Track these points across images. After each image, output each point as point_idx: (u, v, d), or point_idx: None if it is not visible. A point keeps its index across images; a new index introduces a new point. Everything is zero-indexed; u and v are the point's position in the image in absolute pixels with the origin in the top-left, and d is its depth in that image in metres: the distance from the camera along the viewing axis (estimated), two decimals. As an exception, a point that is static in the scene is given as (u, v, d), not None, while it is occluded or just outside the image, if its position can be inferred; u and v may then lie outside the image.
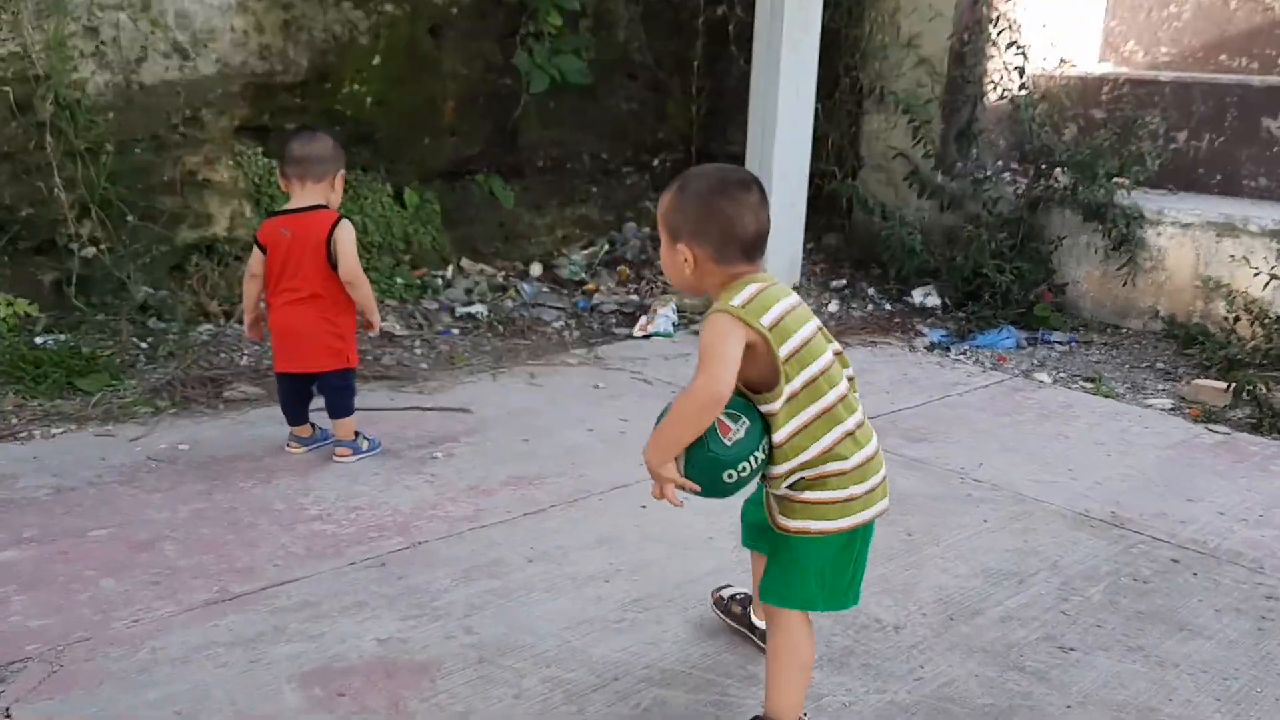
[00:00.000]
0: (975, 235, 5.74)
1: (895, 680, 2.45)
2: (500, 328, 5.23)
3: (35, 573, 2.74)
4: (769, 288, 2.06)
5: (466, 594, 2.74)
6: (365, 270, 3.54)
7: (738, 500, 2.34)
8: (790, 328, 2.03)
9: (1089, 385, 4.85)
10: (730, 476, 2.07)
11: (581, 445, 3.80)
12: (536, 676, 2.40)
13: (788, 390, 2.02)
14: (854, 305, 5.96)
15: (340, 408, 3.58)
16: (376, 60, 5.44)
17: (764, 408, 2.04)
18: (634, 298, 5.86)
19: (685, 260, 2.09)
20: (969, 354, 5.27)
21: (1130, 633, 2.71)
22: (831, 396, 2.06)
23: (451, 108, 5.88)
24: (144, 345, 4.46)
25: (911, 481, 3.61)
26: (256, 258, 3.50)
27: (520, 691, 2.35)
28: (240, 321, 4.72)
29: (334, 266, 3.43)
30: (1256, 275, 5.10)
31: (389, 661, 2.44)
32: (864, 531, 2.14)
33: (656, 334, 5.33)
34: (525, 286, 5.76)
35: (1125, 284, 5.55)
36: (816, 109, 5.85)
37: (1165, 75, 6.28)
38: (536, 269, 6.08)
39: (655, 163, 6.90)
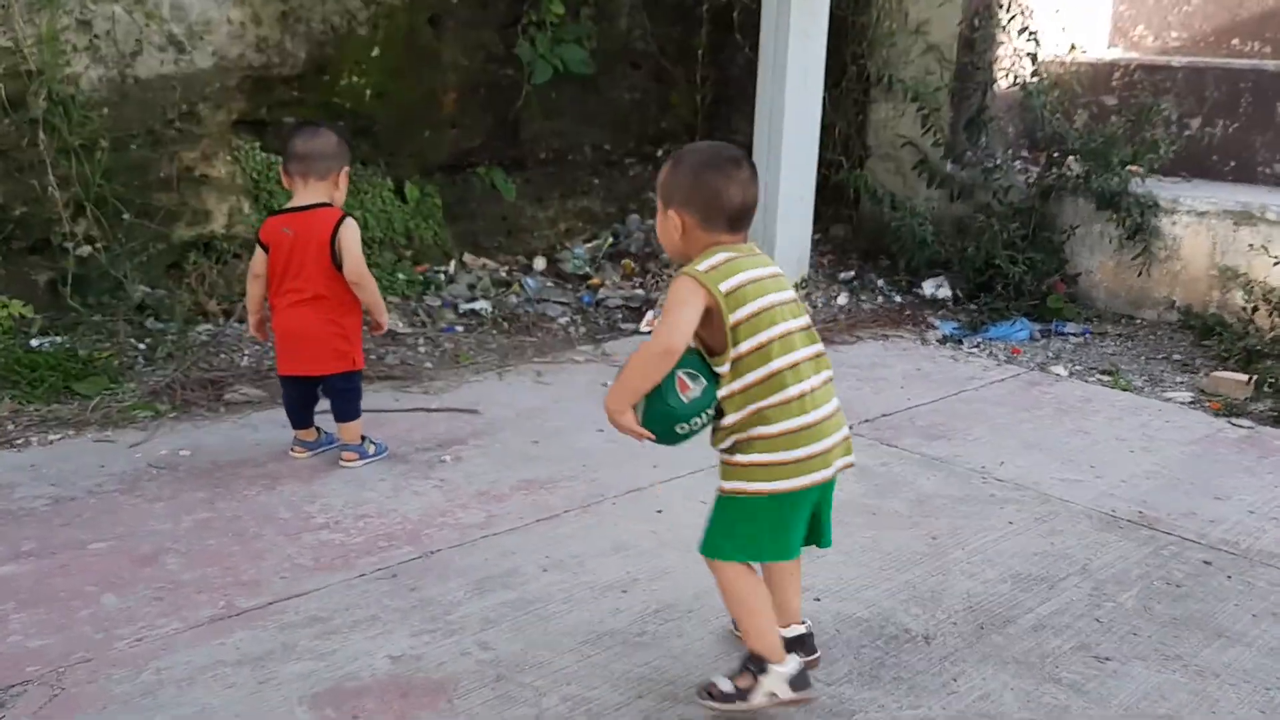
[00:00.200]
0: (987, 225, 5.64)
1: (929, 695, 2.37)
2: (505, 324, 5.14)
3: (35, 588, 2.65)
4: (739, 258, 2.23)
5: (481, 607, 2.65)
6: (368, 268, 3.43)
7: None
8: (748, 296, 2.19)
9: (1106, 378, 4.76)
10: (682, 429, 2.26)
11: (592, 447, 3.71)
12: (557, 695, 2.32)
13: (733, 353, 2.18)
14: (863, 297, 5.87)
15: (346, 411, 3.48)
16: (375, 52, 5.32)
17: (717, 369, 2.22)
18: (639, 291, 5.76)
19: (675, 226, 2.28)
20: (982, 347, 5.18)
21: (1167, 641, 2.62)
22: (778, 364, 2.19)
23: (452, 99, 5.77)
24: (142, 346, 4.36)
25: (933, 482, 3.52)
26: (259, 257, 3.40)
27: (541, 712, 2.26)
28: (241, 320, 4.65)
29: (339, 266, 3.33)
30: (1276, 265, 5.00)
31: (403, 680, 2.35)
32: (802, 496, 2.25)
33: (664, 329, 5.22)
34: (529, 281, 5.66)
35: (1140, 274, 5.46)
36: (823, 98, 5.75)
37: (1178, 60, 6.18)
38: (540, 263, 5.98)
39: (659, 153, 6.78)
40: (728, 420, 2.23)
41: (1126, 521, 3.28)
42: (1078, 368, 4.91)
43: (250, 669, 2.36)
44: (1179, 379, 4.79)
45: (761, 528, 2.26)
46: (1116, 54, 6.64)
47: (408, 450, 3.62)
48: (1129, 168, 5.51)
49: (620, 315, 5.44)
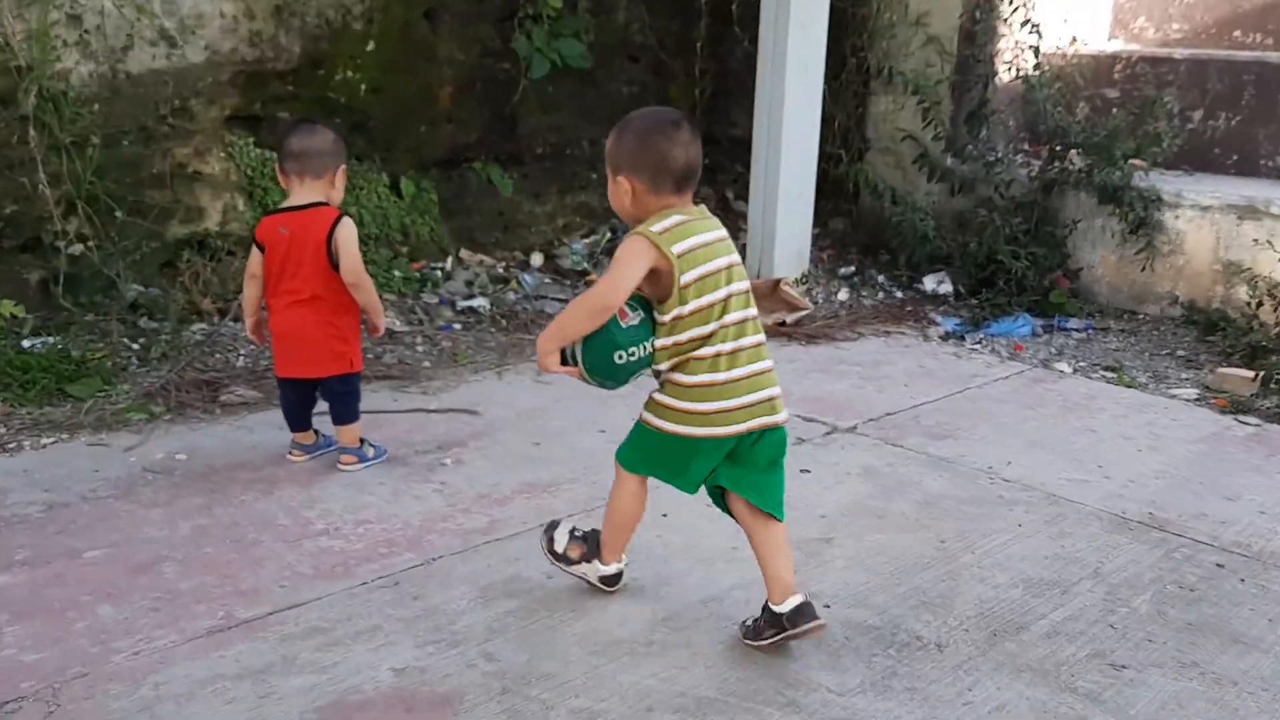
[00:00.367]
0: (989, 220, 5.59)
1: (944, 705, 2.32)
2: (503, 322, 5.08)
3: (29, 599, 2.59)
4: (691, 221, 2.38)
5: (486, 616, 2.60)
6: (365, 266, 3.37)
7: None
8: (699, 259, 2.35)
9: (1110, 375, 4.72)
10: (621, 358, 2.41)
11: (594, 448, 3.65)
12: (565, 708, 2.27)
13: (677, 310, 2.35)
14: (864, 293, 5.82)
15: (344, 414, 3.43)
16: (370, 46, 5.25)
17: (657, 316, 2.39)
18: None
19: (625, 192, 2.42)
20: (984, 343, 5.14)
21: (1183, 647, 2.58)
22: (714, 326, 2.38)
23: (448, 94, 5.70)
24: (135, 346, 4.29)
25: (940, 483, 3.48)
26: (255, 258, 3.34)
27: (549, 726, 2.22)
28: (235, 319, 4.58)
29: (336, 266, 3.27)
30: (1281, 260, 4.98)
31: (407, 694, 2.30)
32: (705, 444, 2.43)
33: (663, 326, 5.17)
34: (527, 278, 5.60)
35: (1144, 269, 5.42)
36: (823, 90, 5.69)
37: (1180, 52, 6.13)
38: (537, 259, 5.92)
39: (657, 147, 6.73)
40: (662, 366, 2.43)
41: (1137, 523, 3.24)
42: (1081, 364, 4.87)
43: (251, 683, 2.31)
44: (1183, 375, 4.75)
45: (662, 459, 2.51)
46: (1117, 46, 6.60)
47: (407, 453, 3.56)
48: (1131, 161, 5.47)
49: (619, 312, 5.37)
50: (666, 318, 2.37)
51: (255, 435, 3.66)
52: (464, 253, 5.76)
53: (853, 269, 6.08)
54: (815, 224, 6.01)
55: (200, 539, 2.93)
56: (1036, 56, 5.71)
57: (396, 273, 5.30)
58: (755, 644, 2.50)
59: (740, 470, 2.48)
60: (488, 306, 5.18)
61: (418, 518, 3.11)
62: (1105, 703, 2.36)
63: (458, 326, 4.98)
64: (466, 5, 5.59)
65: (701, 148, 2.43)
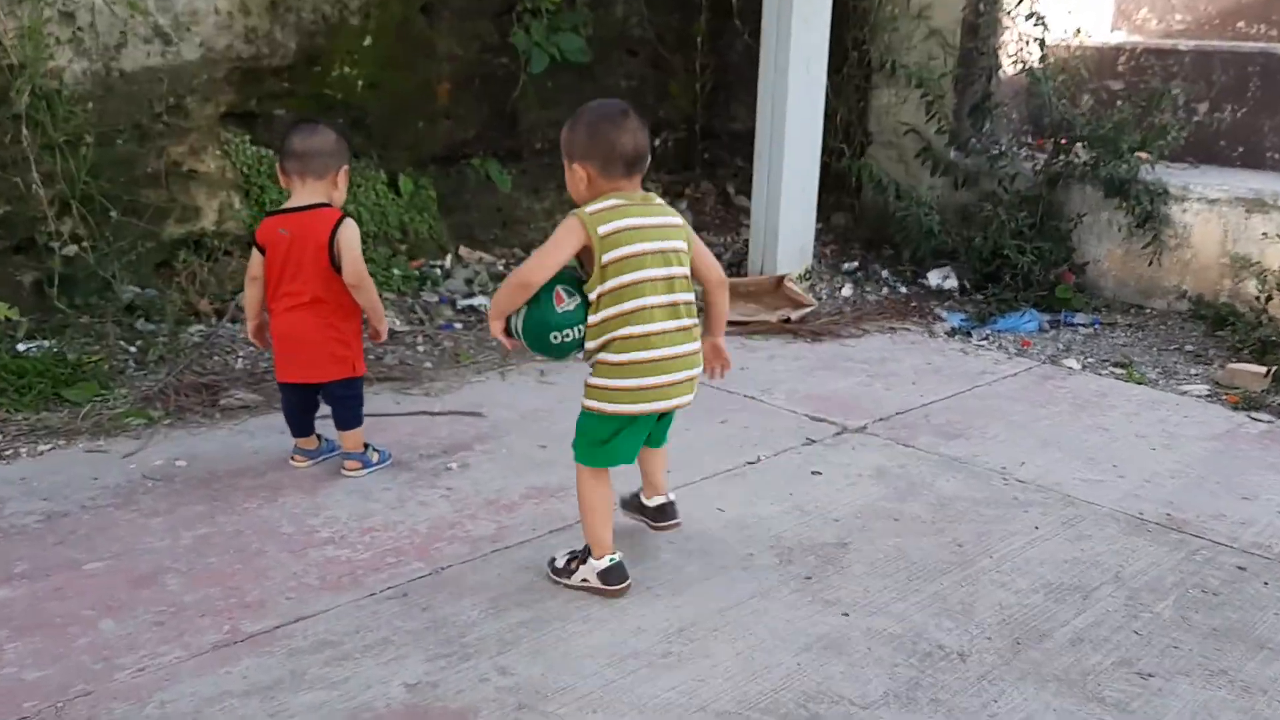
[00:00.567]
0: (994, 214, 5.53)
1: (970, 718, 2.27)
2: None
3: (29, 614, 2.53)
4: (627, 205, 2.56)
5: (498, 627, 2.54)
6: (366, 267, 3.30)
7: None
8: (621, 241, 2.53)
9: (1120, 371, 4.67)
10: (556, 338, 2.61)
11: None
12: (582, 724, 2.21)
13: (600, 288, 2.54)
14: (868, 289, 5.76)
15: (347, 419, 3.36)
16: (367, 41, 5.18)
17: (587, 294, 2.57)
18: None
19: (580, 178, 2.60)
20: (991, 339, 5.09)
21: (1209, 654, 2.53)
22: (632, 305, 2.55)
23: (446, 89, 5.63)
24: (132, 349, 4.22)
25: (954, 484, 3.42)
26: (256, 259, 3.26)
27: (566, 743, 2.16)
28: (233, 320, 4.51)
29: (338, 269, 3.20)
30: (1290, 253, 4.93)
31: (420, 710, 2.24)
32: (637, 419, 2.65)
33: (667, 323, 5.11)
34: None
35: (1151, 263, 5.36)
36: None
37: (1185, 44, 6.07)
38: (537, 256, 5.84)
39: (657, 142, 6.66)
40: (592, 344, 2.61)
41: (1155, 525, 3.19)
42: (1090, 360, 4.82)
43: (259, 700, 2.25)
44: (1193, 371, 4.71)
45: (603, 438, 2.66)
46: (1121, 38, 6.54)
47: (411, 457, 3.50)
48: (1137, 154, 5.42)
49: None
50: (592, 295, 2.56)
51: (256, 440, 3.59)
52: (463, 250, 5.69)
53: (856, 264, 6.03)
54: (817, 219, 5.95)
55: (203, 549, 2.86)
56: (1042, 49, 5.64)
57: (396, 271, 5.23)
58: (627, 514, 2.99)
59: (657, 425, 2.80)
60: (488, 305, 5.10)
61: (425, 525, 3.05)
62: (1134, 713, 2.31)
63: (459, 325, 4.92)
64: (464, 0, 5.52)
65: (648, 136, 2.63)
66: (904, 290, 5.76)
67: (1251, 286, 5.04)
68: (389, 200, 5.43)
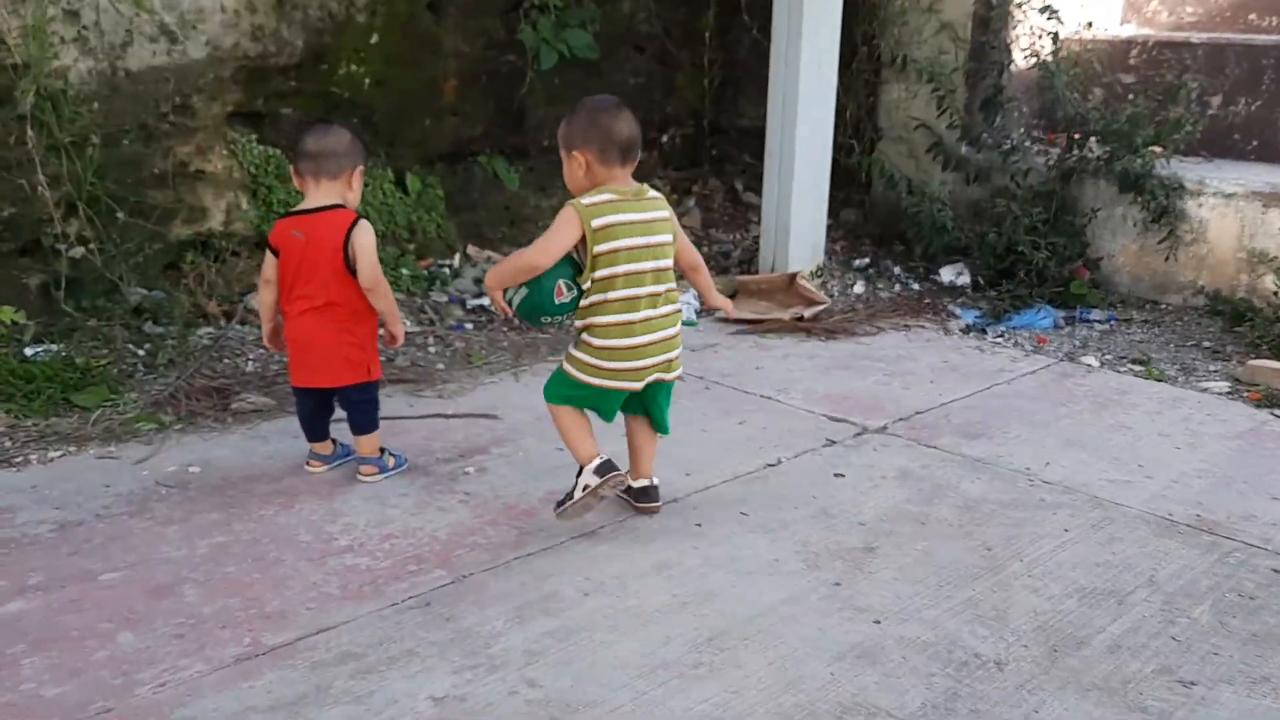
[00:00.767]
0: (1007, 210, 5.48)
1: (1011, 729, 2.22)
2: (515, 320, 4.94)
3: (45, 627, 2.47)
4: (620, 200, 2.79)
5: (523, 638, 2.49)
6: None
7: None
8: (615, 234, 2.76)
9: (1138, 368, 4.62)
10: (545, 320, 2.98)
11: (620, 454, 3.52)
12: (616, 738, 2.16)
13: (591, 276, 2.79)
14: (880, 285, 5.71)
15: (363, 423, 3.31)
16: (374, 39, 5.12)
17: (583, 283, 2.81)
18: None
19: (579, 165, 2.82)
20: (1007, 336, 5.04)
21: (1250, 660, 2.48)
22: (615, 295, 2.80)
23: (452, 87, 5.57)
24: (141, 352, 4.16)
25: (979, 486, 3.37)
26: (270, 262, 3.21)
27: (600, 758, 2.11)
28: (242, 322, 4.46)
29: (352, 271, 3.14)
30: (1309, 248, 4.88)
31: (449, 725, 2.19)
32: (610, 392, 2.90)
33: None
34: (537, 274, 5.47)
35: (1167, 258, 5.31)
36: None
37: (1197, 36, 6.02)
38: (546, 254, 5.78)
39: (664, 139, 6.63)
40: (579, 324, 2.88)
41: (1185, 526, 3.14)
42: (1107, 357, 4.77)
43: (284, 716, 2.19)
44: (1212, 368, 4.66)
45: (578, 398, 2.94)
46: (1132, 30, 6.48)
47: (428, 461, 3.45)
48: (1150, 148, 5.36)
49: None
50: (587, 284, 2.80)
51: (270, 445, 3.54)
52: (471, 249, 5.63)
53: (867, 261, 5.98)
54: (827, 215, 5.90)
55: (220, 558, 2.81)
56: (1055, 42, 5.58)
57: (404, 271, 5.18)
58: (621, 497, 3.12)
59: (642, 404, 3.01)
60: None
61: (444, 531, 3.00)
62: (1177, 723, 2.26)
63: (469, 326, 4.86)
64: (471, -4, 5.47)
65: (639, 128, 2.85)
66: (916, 287, 5.71)
67: (1269, 282, 4.99)
68: (396, 199, 5.37)
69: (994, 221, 5.56)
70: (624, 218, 2.78)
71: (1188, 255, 5.33)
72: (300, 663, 2.37)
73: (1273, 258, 5.00)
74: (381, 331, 3.31)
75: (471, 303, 5.08)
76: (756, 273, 5.60)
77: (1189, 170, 5.38)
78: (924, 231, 5.67)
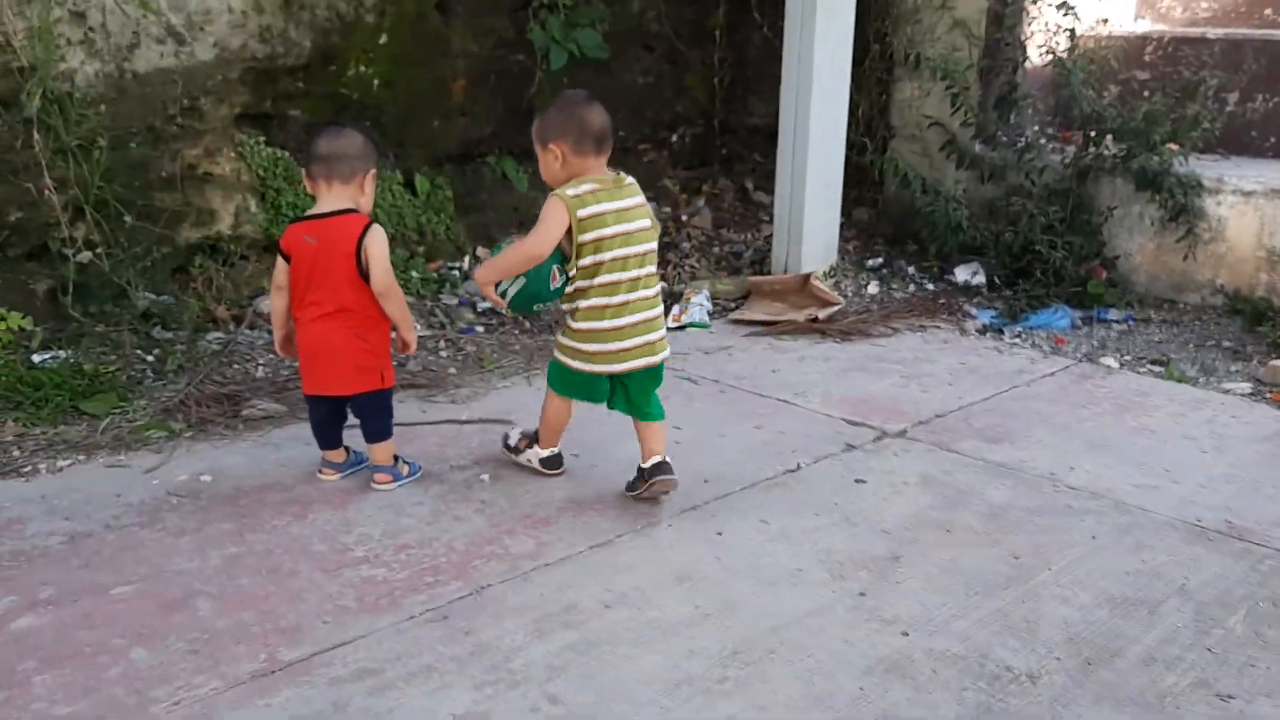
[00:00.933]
0: (1023, 208, 5.41)
1: (1047, 746, 2.17)
2: (526, 323, 4.90)
3: (57, 643, 2.43)
4: (601, 189, 2.91)
5: (544, 652, 2.44)
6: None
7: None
8: (598, 224, 2.88)
9: (1159, 369, 4.56)
10: (537, 307, 3.27)
11: (637, 458, 3.48)
12: (642, 757, 2.11)
13: (578, 264, 2.92)
14: (894, 286, 5.65)
15: (376, 431, 3.25)
16: (383, 39, 5.07)
17: (569, 270, 2.94)
18: (661, 284, 5.51)
19: (555, 157, 2.98)
20: (1024, 337, 4.98)
21: (1288, 672, 2.43)
22: (600, 280, 2.93)
23: (461, 87, 5.52)
24: (150, 358, 4.12)
25: (1003, 492, 3.32)
26: (281, 268, 3.15)
27: (627, 778, 2.06)
28: (252, 327, 4.41)
29: (365, 277, 3.09)
30: (1331, 246, 4.81)
31: (471, 744, 2.13)
32: (595, 376, 3.06)
33: (691, 324, 5.02)
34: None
35: (1186, 257, 5.25)
36: (847, 78, 5.51)
37: (1214, 32, 5.95)
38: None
39: (674, 138, 6.57)
40: (563, 307, 3.04)
41: (1215, 533, 3.08)
42: (1127, 358, 4.71)
43: (302, 735, 2.14)
44: (1233, 368, 4.60)
45: (573, 386, 3.13)
46: (1146, 26, 6.42)
47: (442, 469, 3.40)
48: (1167, 145, 5.30)
49: (645, 310, 5.20)
50: (574, 271, 2.93)
51: (282, 452, 3.49)
52: (481, 251, 5.58)
53: (880, 260, 5.91)
54: (840, 214, 5.84)
55: (234, 570, 2.76)
56: (1072, 39, 5.51)
57: (414, 274, 5.13)
58: (633, 495, 3.17)
59: (630, 391, 3.11)
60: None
61: (461, 541, 2.94)
62: (1217, 738, 2.20)
63: (480, 329, 4.81)
64: (480, -4, 5.41)
65: (609, 119, 2.97)
66: (931, 287, 5.65)
67: (1290, 280, 4.92)
68: (405, 201, 5.32)
69: (1009, 220, 5.50)
70: (607, 206, 2.91)
71: (1206, 254, 5.26)
72: (317, 679, 2.32)
73: (1294, 256, 4.93)
74: (394, 337, 3.26)
75: (482, 305, 5.02)
76: (769, 273, 5.54)
77: (1207, 168, 5.32)
78: (938, 231, 5.60)
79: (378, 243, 3.09)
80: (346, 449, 3.35)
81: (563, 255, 2.95)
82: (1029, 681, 2.37)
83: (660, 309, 3.08)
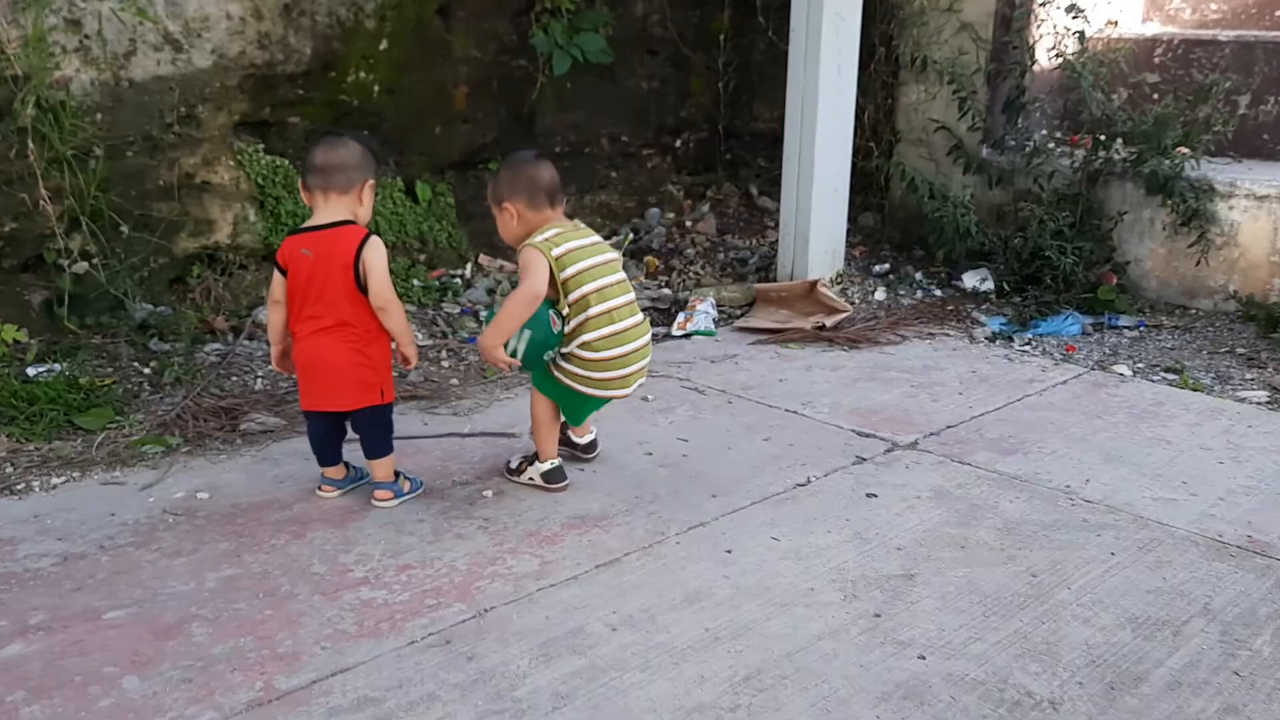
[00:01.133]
0: (1032, 213, 5.34)
1: (1072, 778, 2.09)
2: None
3: (46, 672, 2.35)
4: (565, 232, 3.05)
5: (550, 679, 2.36)
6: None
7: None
8: (574, 259, 3.02)
9: (1173, 377, 4.48)
10: (547, 355, 3.12)
11: (643, 473, 3.42)
12: (652, 792, 2.03)
13: (569, 300, 3.02)
14: (902, 292, 5.58)
15: (377, 446, 3.18)
16: (384, 45, 5.00)
17: (562, 310, 3.05)
18: (666, 291, 5.46)
19: (511, 215, 3.09)
20: (1034, 344, 4.90)
21: (1318, 697, 2.35)
22: (593, 311, 3.03)
23: (463, 93, 5.46)
24: (147, 371, 4.05)
25: (1018, 506, 3.24)
26: (278, 282, 3.08)
27: (637, 814, 1.98)
28: (250, 338, 4.34)
29: (364, 290, 3.02)
30: (1346, 251, 4.73)
31: (475, 778, 2.06)
32: (595, 399, 3.21)
33: (697, 332, 4.94)
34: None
35: (1198, 263, 5.17)
36: (854, 82, 5.44)
37: (1225, 34, 5.88)
38: (560, 263, 5.66)
39: (678, 144, 6.50)
40: (562, 350, 3.12)
41: (1237, 549, 3.01)
42: (1140, 365, 4.63)
43: (300, 769, 2.07)
44: (1248, 376, 4.52)
45: (562, 399, 3.21)
46: (1155, 29, 6.34)
47: (444, 484, 3.32)
48: (1179, 149, 5.23)
49: (650, 317, 5.12)
50: (565, 310, 3.04)
51: (280, 468, 3.41)
52: (483, 258, 5.51)
53: (887, 267, 5.84)
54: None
55: (230, 593, 2.69)
56: (1081, 42, 5.44)
57: (415, 282, 5.07)
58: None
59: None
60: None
61: (463, 560, 2.87)
62: (1248, 768, 2.13)
63: (483, 339, 4.73)
64: (482, 1, 5.34)
65: (558, 175, 3.12)
66: (939, 293, 5.57)
67: (1305, 286, 4.85)
68: (407, 208, 5.26)
69: (1018, 225, 5.44)
70: (575, 243, 3.04)
71: (1218, 259, 5.19)
72: (316, 709, 2.25)
73: (1308, 261, 4.86)
74: (395, 350, 3.19)
75: (484, 314, 4.95)
76: (775, 280, 5.47)
77: (1219, 171, 5.24)
78: (946, 236, 5.53)
79: (376, 255, 3.01)
80: (346, 464, 3.27)
81: (550, 301, 3.03)
82: (1051, 709, 2.29)
83: (649, 335, 3.21)
